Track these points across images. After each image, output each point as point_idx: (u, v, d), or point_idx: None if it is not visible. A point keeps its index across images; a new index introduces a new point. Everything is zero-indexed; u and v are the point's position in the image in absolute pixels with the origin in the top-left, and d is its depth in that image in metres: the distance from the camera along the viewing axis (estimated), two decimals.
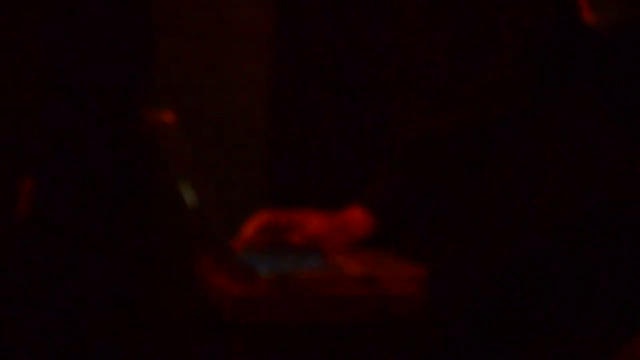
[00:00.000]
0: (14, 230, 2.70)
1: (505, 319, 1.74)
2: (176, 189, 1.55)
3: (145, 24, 2.74)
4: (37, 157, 2.67)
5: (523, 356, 1.71)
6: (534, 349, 1.71)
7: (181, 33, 2.90)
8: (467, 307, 1.77)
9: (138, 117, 2.49)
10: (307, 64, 2.88)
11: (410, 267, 1.64)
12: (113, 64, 2.67)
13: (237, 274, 1.52)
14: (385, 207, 1.81)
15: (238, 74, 2.92)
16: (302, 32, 2.88)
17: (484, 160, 1.84)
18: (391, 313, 1.52)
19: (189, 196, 1.55)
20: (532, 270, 1.78)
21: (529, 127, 1.83)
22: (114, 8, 2.69)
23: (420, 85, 2.80)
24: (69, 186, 2.66)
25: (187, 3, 2.92)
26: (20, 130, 2.73)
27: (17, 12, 2.75)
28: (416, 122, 1.91)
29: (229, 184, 2.85)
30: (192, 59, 2.90)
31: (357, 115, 2.88)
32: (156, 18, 2.81)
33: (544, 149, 1.83)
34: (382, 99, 2.87)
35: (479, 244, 1.91)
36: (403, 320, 1.53)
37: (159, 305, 2.78)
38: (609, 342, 1.65)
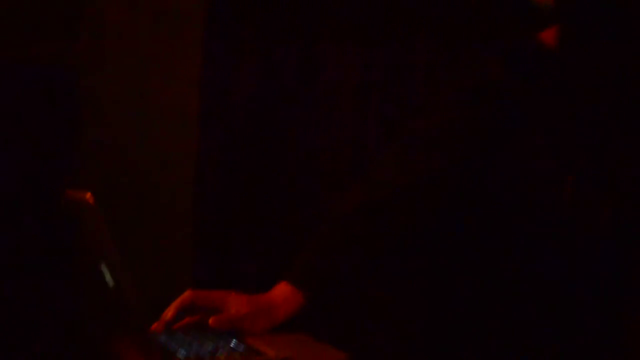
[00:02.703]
0: None
1: None
2: (95, 269, 1.54)
3: (71, 105, 2.75)
4: None
5: None
6: None
7: (107, 112, 2.90)
8: None
9: (57, 197, 2.49)
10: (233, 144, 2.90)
11: (330, 351, 1.64)
12: (35, 144, 2.67)
13: (154, 356, 1.51)
14: (317, 281, 1.80)
15: (164, 152, 2.92)
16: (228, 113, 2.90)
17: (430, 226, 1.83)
18: None
19: (108, 276, 1.54)
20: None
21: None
22: (40, 90, 2.70)
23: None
24: None
25: (114, 84, 2.92)
26: None
27: None
28: (351, 190, 1.90)
29: (154, 265, 2.83)
30: (117, 139, 2.90)
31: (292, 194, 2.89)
32: (82, 100, 2.82)
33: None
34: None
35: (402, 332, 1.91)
36: None
37: None
38: None
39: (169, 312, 1.78)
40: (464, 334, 1.84)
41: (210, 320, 1.74)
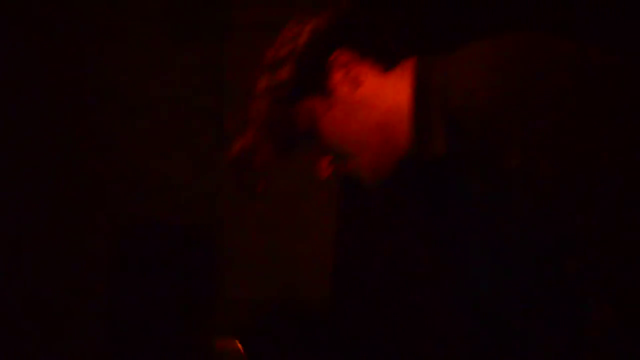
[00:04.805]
0: None
1: None
2: None
3: (215, 262, 2.85)
4: None
5: None
6: None
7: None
8: None
9: (203, 345, 2.55)
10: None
11: None
12: (177, 291, 2.74)
13: None
14: None
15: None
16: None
17: None
18: None
19: None
20: None
21: None
22: (190, 249, 2.80)
23: None
24: None
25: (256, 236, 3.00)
26: None
27: None
28: None
29: None
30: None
31: None
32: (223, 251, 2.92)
33: None
34: None
35: None
36: None
37: None
38: None
39: None
40: None
41: None
